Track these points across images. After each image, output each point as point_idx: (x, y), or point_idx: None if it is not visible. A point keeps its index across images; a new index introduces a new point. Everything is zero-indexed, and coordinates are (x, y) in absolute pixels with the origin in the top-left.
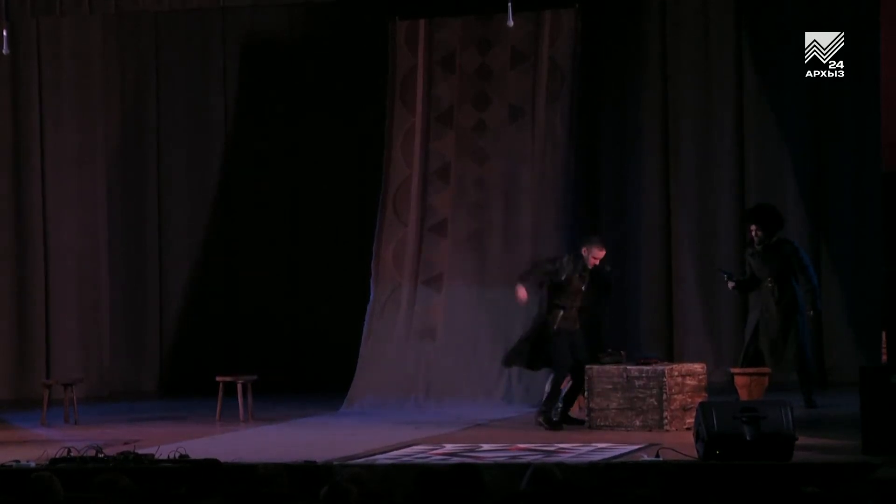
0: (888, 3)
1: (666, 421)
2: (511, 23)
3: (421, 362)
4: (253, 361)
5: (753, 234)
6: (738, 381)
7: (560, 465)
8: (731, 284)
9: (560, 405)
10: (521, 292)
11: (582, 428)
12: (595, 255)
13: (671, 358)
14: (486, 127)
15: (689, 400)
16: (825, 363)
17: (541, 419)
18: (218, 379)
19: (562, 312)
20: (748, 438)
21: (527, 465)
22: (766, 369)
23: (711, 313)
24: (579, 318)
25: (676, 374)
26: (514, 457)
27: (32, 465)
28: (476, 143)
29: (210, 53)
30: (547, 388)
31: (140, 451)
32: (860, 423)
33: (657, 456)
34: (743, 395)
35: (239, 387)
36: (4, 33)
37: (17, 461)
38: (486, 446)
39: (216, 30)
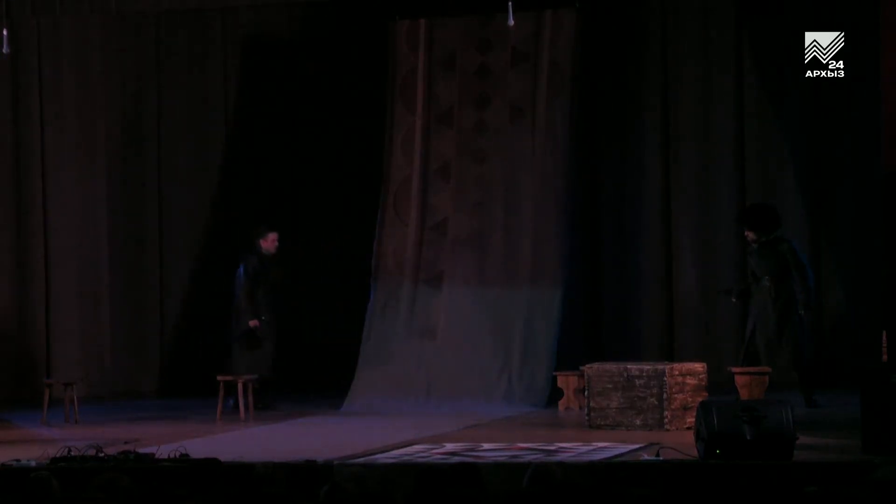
0: (888, 4)
1: (666, 420)
2: (511, 23)
3: (421, 362)
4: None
5: (747, 236)
6: (739, 380)
7: (560, 464)
8: (733, 299)
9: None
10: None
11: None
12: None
13: (671, 357)
14: (487, 127)
15: (690, 399)
16: (825, 363)
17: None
18: (218, 378)
19: None
20: (748, 438)
21: (527, 465)
22: (767, 368)
23: (711, 313)
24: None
25: (677, 373)
26: (514, 456)
27: (33, 464)
28: (476, 143)
29: (210, 53)
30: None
31: (140, 451)
32: (860, 423)
33: (657, 456)
34: (743, 395)
35: (239, 386)
36: (4, 33)
37: (18, 460)
38: (486, 446)
39: (216, 30)
